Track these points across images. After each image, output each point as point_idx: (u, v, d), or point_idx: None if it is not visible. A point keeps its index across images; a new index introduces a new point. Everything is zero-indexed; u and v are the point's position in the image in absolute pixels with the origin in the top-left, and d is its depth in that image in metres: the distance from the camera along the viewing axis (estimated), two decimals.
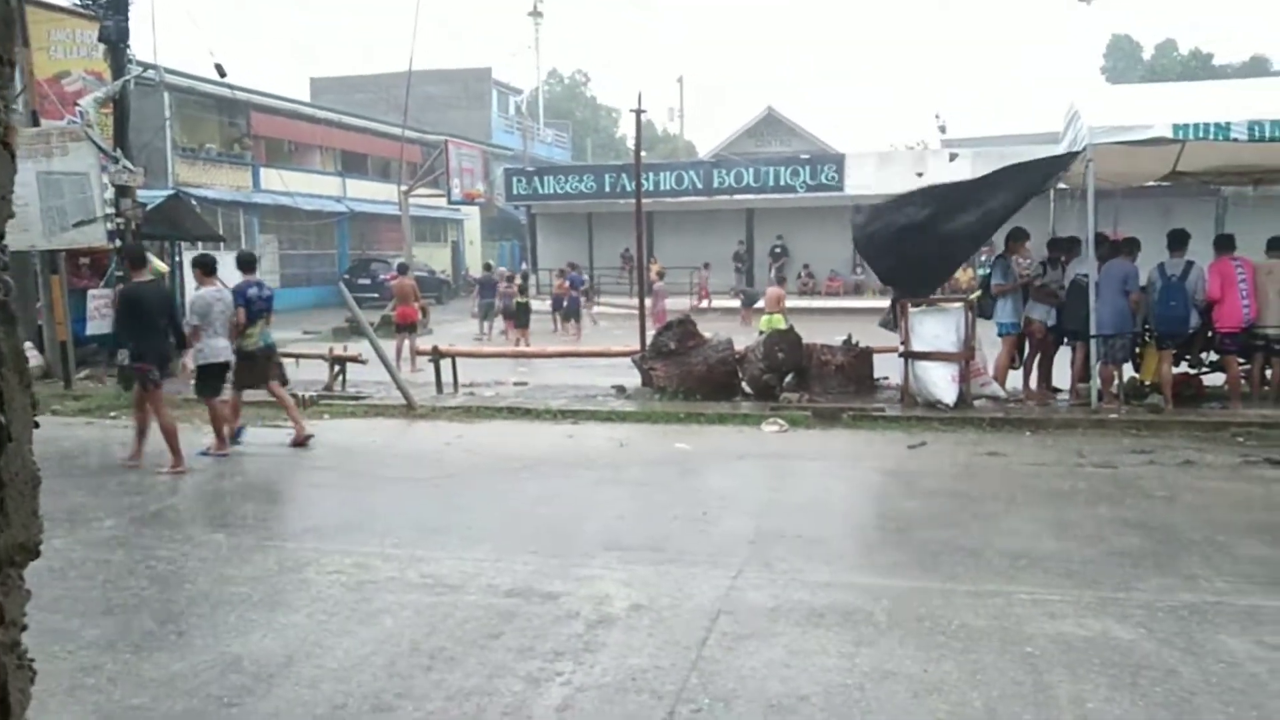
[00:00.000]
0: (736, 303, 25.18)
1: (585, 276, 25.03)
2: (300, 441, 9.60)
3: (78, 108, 12.61)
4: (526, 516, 6.95)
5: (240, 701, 4.08)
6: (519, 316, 20.13)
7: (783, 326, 11.90)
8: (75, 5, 13.33)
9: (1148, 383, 10.65)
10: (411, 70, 29.49)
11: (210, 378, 9.33)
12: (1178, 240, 10.34)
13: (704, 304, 26.65)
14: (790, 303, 23.07)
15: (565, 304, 22.48)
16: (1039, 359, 11.14)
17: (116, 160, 12.60)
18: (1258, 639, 4.55)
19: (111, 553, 6.16)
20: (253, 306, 9.62)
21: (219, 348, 9.29)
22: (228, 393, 9.66)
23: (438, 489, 7.90)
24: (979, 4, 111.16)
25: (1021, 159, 11.58)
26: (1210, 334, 10.43)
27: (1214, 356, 10.75)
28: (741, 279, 30.72)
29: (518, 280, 22.66)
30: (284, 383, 10.30)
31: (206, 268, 9.47)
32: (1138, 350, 10.70)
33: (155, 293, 9.11)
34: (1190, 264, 10.21)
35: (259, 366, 9.82)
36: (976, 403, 10.68)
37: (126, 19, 12.83)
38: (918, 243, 10.64)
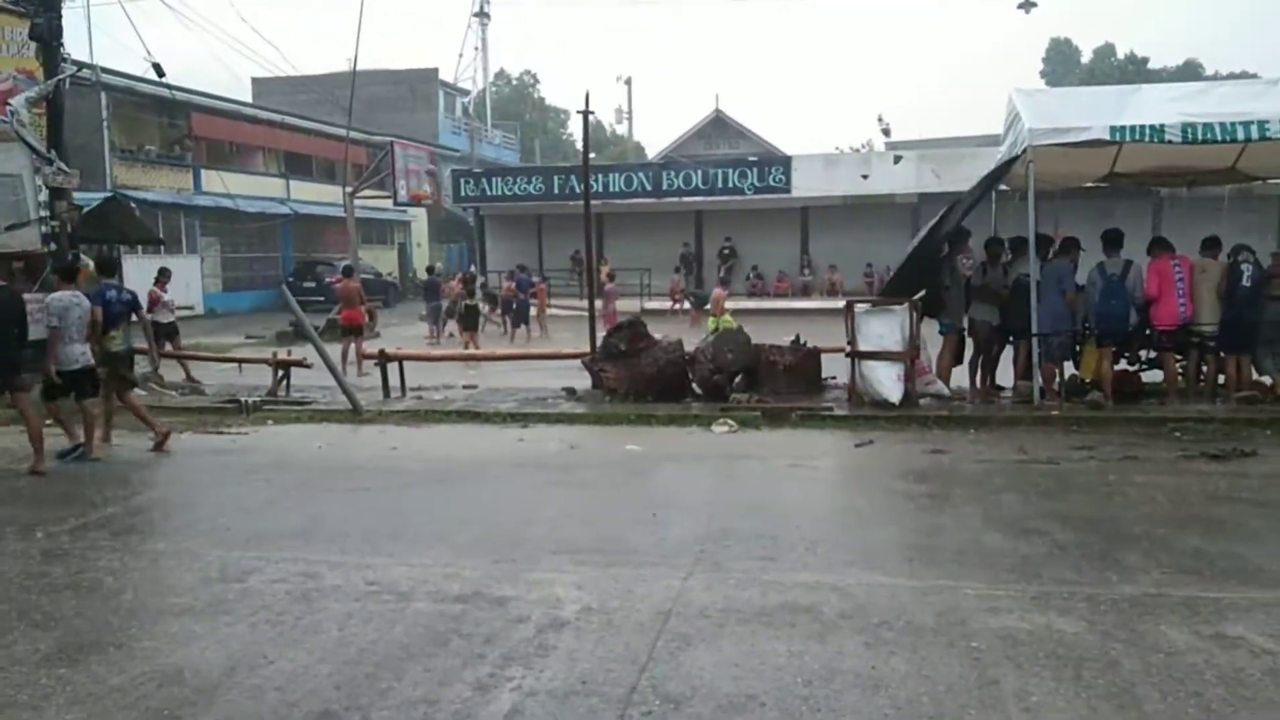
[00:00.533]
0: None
1: (534, 278, 24.85)
2: (160, 444, 9.57)
3: (9, 107, 12.27)
4: (476, 521, 6.89)
5: (181, 714, 3.99)
6: (467, 319, 19.99)
7: (732, 327, 11.97)
8: (4, 3, 12.96)
9: (1088, 380, 10.85)
10: (356, 70, 29.17)
11: (62, 384, 9.17)
12: (1113, 240, 10.56)
13: (678, 307, 26.52)
14: (739, 304, 23.30)
15: (515, 307, 22.34)
16: (982, 358, 11.31)
17: (51, 162, 12.29)
18: (1195, 630, 4.66)
19: (49, 564, 5.99)
20: (111, 309, 9.62)
21: (74, 354, 9.16)
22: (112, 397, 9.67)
23: (385, 494, 7.80)
24: (921, 7, 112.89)
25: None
26: (1148, 332, 10.67)
27: (1152, 354, 10.99)
28: (689, 281, 30.82)
29: (462, 283, 22.50)
30: (132, 386, 10.24)
31: (65, 273, 9.64)
32: (1078, 348, 10.90)
33: (6, 301, 8.97)
34: (1129, 263, 10.43)
35: (125, 368, 9.88)
36: (922, 401, 10.81)
37: (59, 16, 12.54)
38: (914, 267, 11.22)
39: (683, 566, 5.71)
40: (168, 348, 14.33)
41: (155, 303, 14.70)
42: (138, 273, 28.05)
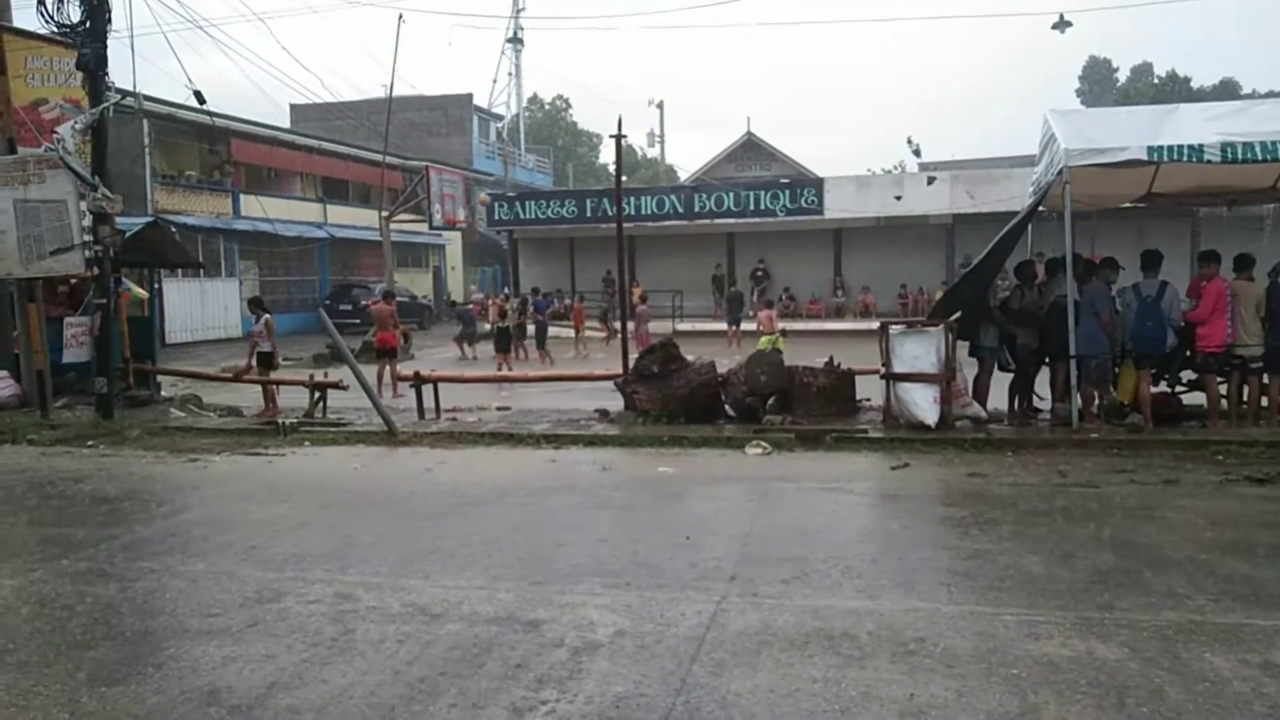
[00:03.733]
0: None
1: (552, 301, 24.93)
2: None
3: (56, 135, 12.53)
4: (509, 543, 6.89)
5: None
6: (500, 341, 20.10)
7: (782, 345, 11.97)
8: (53, 33, 13.25)
9: (1127, 402, 10.71)
10: (392, 96, 29.61)
11: None
12: (1151, 261, 10.43)
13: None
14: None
15: (535, 330, 22.46)
16: (1020, 380, 11.19)
17: (95, 187, 12.53)
18: (1242, 657, 4.56)
19: (89, 584, 6.07)
20: None
21: None
22: None
23: (419, 516, 7.84)
24: (954, 28, 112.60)
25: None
26: (1189, 353, 10.51)
27: (1191, 376, 10.83)
28: (720, 302, 30.82)
29: (499, 303, 22.71)
30: None
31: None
32: (1116, 370, 10.76)
33: None
34: (1164, 284, 10.29)
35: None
36: (958, 424, 10.71)
37: (105, 46, 12.79)
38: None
39: (717, 590, 5.68)
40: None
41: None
42: (178, 296, 28.70)
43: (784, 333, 17.62)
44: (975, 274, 11.35)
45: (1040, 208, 11.32)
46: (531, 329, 22.62)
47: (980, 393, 11.08)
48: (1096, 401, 10.70)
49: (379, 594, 5.76)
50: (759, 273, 32.54)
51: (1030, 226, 12.52)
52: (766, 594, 5.61)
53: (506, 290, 33.50)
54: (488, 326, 22.18)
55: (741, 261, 33.29)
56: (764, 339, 16.42)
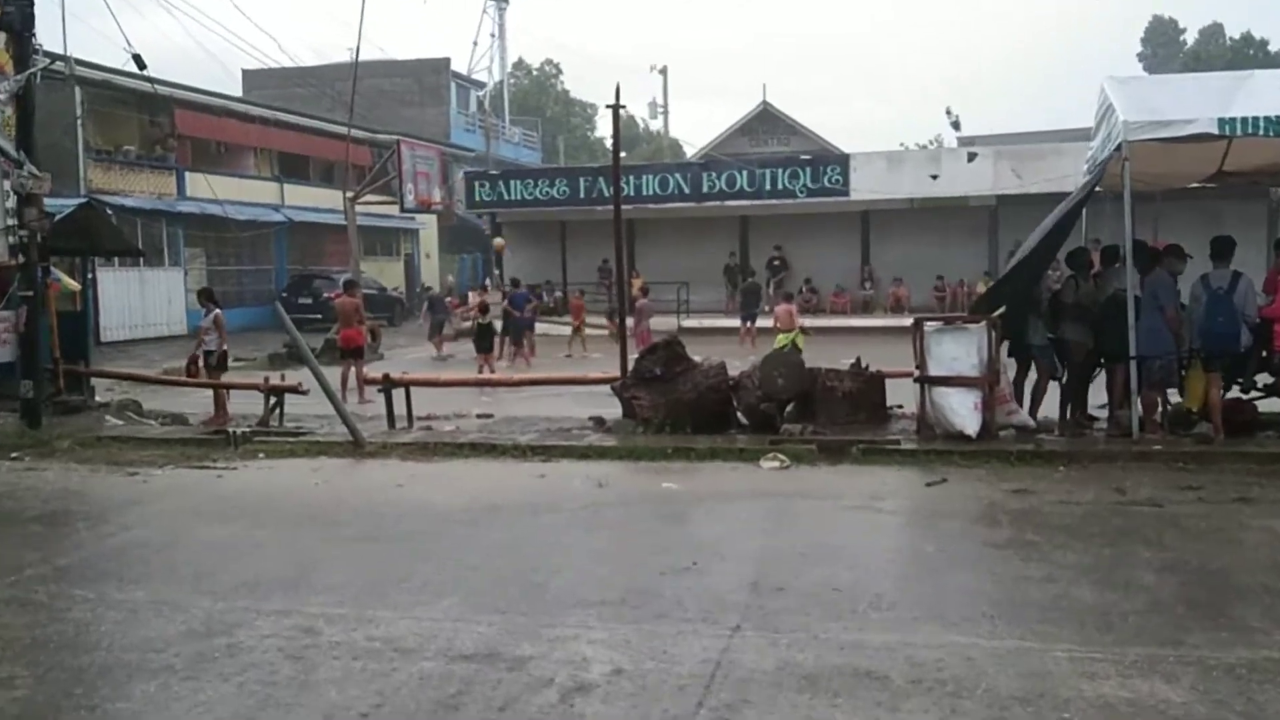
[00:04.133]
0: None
1: (531, 295, 25.06)
2: None
3: None
4: (491, 568, 6.90)
5: None
6: (480, 340, 20.12)
7: (802, 344, 11.98)
8: None
9: (1195, 410, 10.71)
10: (358, 61, 29.60)
11: None
12: (1222, 249, 10.39)
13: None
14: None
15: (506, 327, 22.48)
16: (1074, 385, 11.18)
17: (20, 164, 12.52)
18: None
19: (13, 615, 6.07)
20: None
21: None
22: None
23: (389, 538, 7.84)
24: None
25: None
26: (1265, 354, 10.50)
27: (1268, 379, 10.81)
28: (734, 295, 30.85)
29: (480, 296, 22.80)
30: None
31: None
32: (1182, 373, 10.74)
33: None
34: (1238, 275, 10.25)
35: None
36: (1002, 434, 10.71)
37: (31, 3, 12.79)
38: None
39: (727, 623, 5.68)
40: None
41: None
42: (115, 288, 28.71)
43: (805, 330, 17.64)
44: (1024, 264, 11.34)
45: (1096, 188, 11.32)
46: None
47: (1037, 399, 11.04)
48: (1160, 408, 10.69)
49: (343, 626, 5.76)
50: (776, 262, 32.55)
51: (1085, 209, 12.53)
52: (784, 627, 5.61)
53: (488, 281, 33.55)
54: (467, 324, 22.21)
55: (756, 249, 33.33)
56: (782, 337, 16.46)
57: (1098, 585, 6.23)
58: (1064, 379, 11.12)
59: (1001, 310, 11.02)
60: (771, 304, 30.17)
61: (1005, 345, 11.13)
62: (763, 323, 25.52)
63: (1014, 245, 27.94)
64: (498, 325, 21.56)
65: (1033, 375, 11.23)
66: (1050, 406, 11.20)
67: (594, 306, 29.57)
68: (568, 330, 24.77)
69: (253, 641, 5.56)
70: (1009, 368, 11.11)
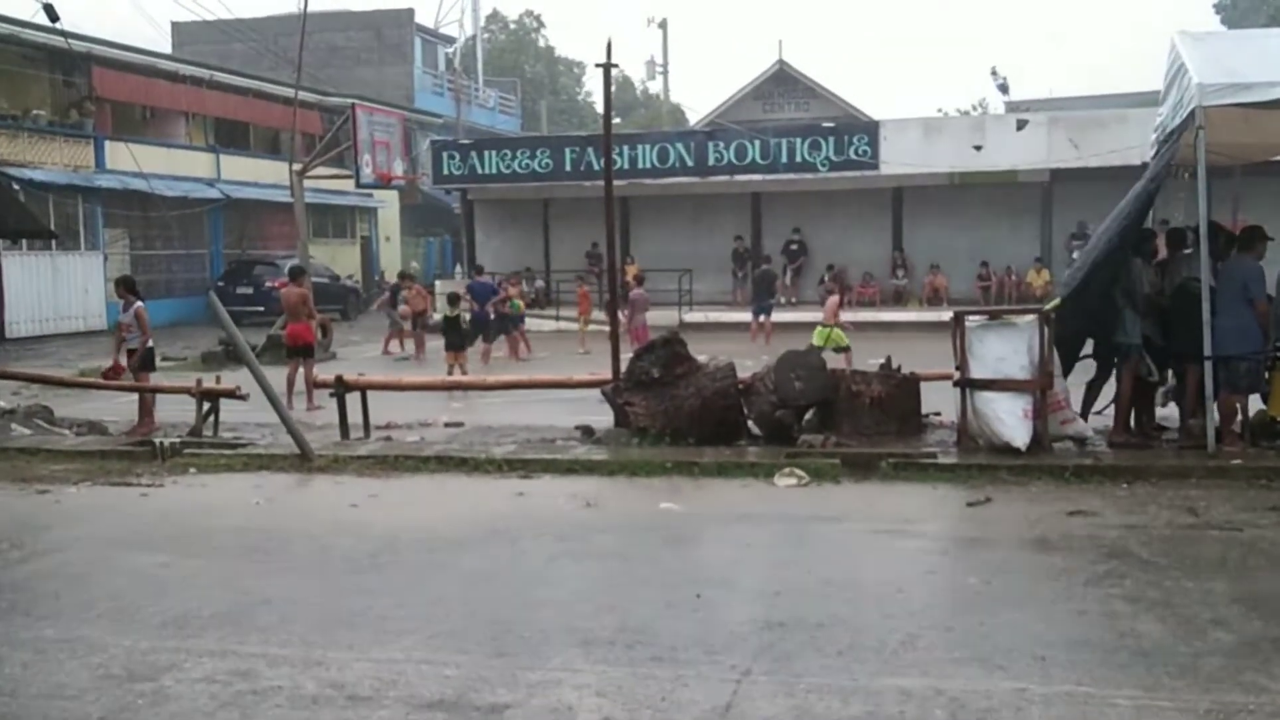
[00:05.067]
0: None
1: (496, 281, 25.17)
2: None
3: None
4: (461, 602, 6.90)
5: None
6: (450, 336, 20.12)
7: (844, 342, 12.02)
8: None
9: (1279, 418, 10.73)
10: (306, 11, 29.59)
11: None
12: None
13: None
14: (808, 315, 23.30)
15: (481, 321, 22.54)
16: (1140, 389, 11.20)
17: None
18: None
19: None
20: None
21: None
22: None
23: (342, 567, 7.83)
24: None
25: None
26: None
27: None
28: (743, 285, 30.86)
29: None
30: None
31: None
32: (1267, 376, 10.76)
33: None
34: None
35: None
36: (1056, 446, 10.72)
37: None
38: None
39: (737, 665, 5.68)
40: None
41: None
42: (22, 275, 28.69)
43: (845, 325, 17.76)
44: (1105, 257, 11.14)
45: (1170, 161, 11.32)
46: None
47: (1123, 407, 10.99)
48: (1239, 416, 10.70)
49: (288, 670, 5.75)
50: (794, 246, 32.58)
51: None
52: (802, 670, 5.60)
53: (458, 267, 33.52)
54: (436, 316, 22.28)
55: (770, 231, 33.33)
56: (820, 331, 16.72)
57: (1167, 622, 6.22)
58: (1161, 381, 11.05)
59: (1055, 303, 11.01)
60: (787, 295, 30.41)
61: (1090, 345, 11.10)
62: (779, 316, 25.60)
63: (1078, 227, 28.13)
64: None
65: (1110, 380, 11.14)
66: (1106, 415, 11.19)
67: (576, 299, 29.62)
68: (554, 325, 24.80)
69: (181, 688, 5.55)
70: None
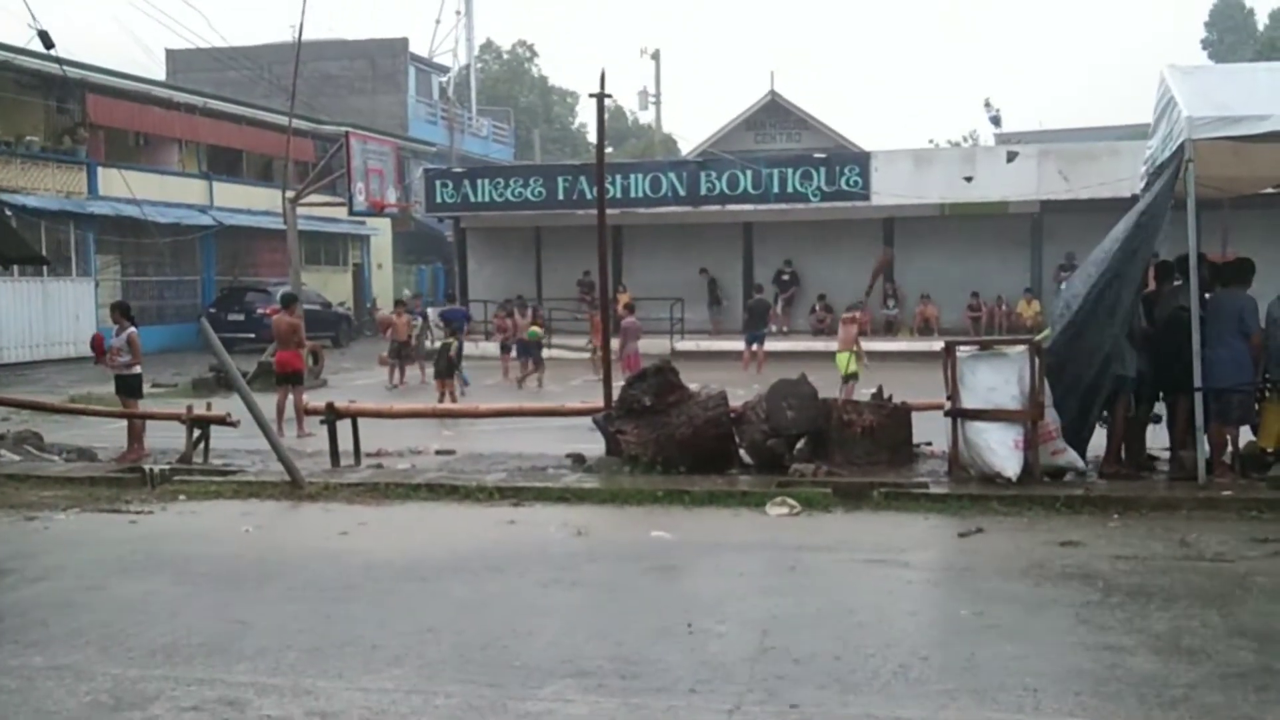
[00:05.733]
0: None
1: (467, 310, 25.28)
2: None
3: None
4: (451, 631, 6.87)
5: None
6: (439, 363, 20.12)
7: (857, 369, 12.05)
8: None
9: (1271, 449, 10.75)
10: (301, 40, 29.67)
11: None
12: None
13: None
14: (799, 345, 23.36)
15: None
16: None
17: None
18: None
19: None
20: None
21: None
22: None
23: (332, 595, 7.80)
24: None
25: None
26: None
27: None
28: (718, 312, 31.03)
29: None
30: None
31: None
32: (1257, 407, 10.79)
33: None
34: None
35: None
36: (1046, 477, 10.73)
37: None
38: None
39: (728, 695, 5.67)
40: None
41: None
42: (13, 301, 28.64)
43: (859, 353, 17.76)
44: (1104, 290, 11.07)
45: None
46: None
47: (1118, 436, 10.99)
48: (1230, 448, 10.73)
49: (277, 699, 5.73)
50: (785, 276, 32.66)
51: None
52: (794, 700, 5.59)
53: (451, 293, 33.49)
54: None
55: (761, 260, 33.40)
56: (841, 356, 16.91)
57: (1158, 654, 6.22)
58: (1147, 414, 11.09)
59: (1045, 334, 11.04)
60: (779, 324, 30.46)
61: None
62: (773, 345, 25.66)
63: (1066, 258, 28.22)
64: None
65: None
66: (1099, 444, 11.21)
67: (575, 327, 29.64)
68: (547, 353, 24.75)
69: (169, 716, 5.52)
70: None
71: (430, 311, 29.72)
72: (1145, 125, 12.50)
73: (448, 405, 18.24)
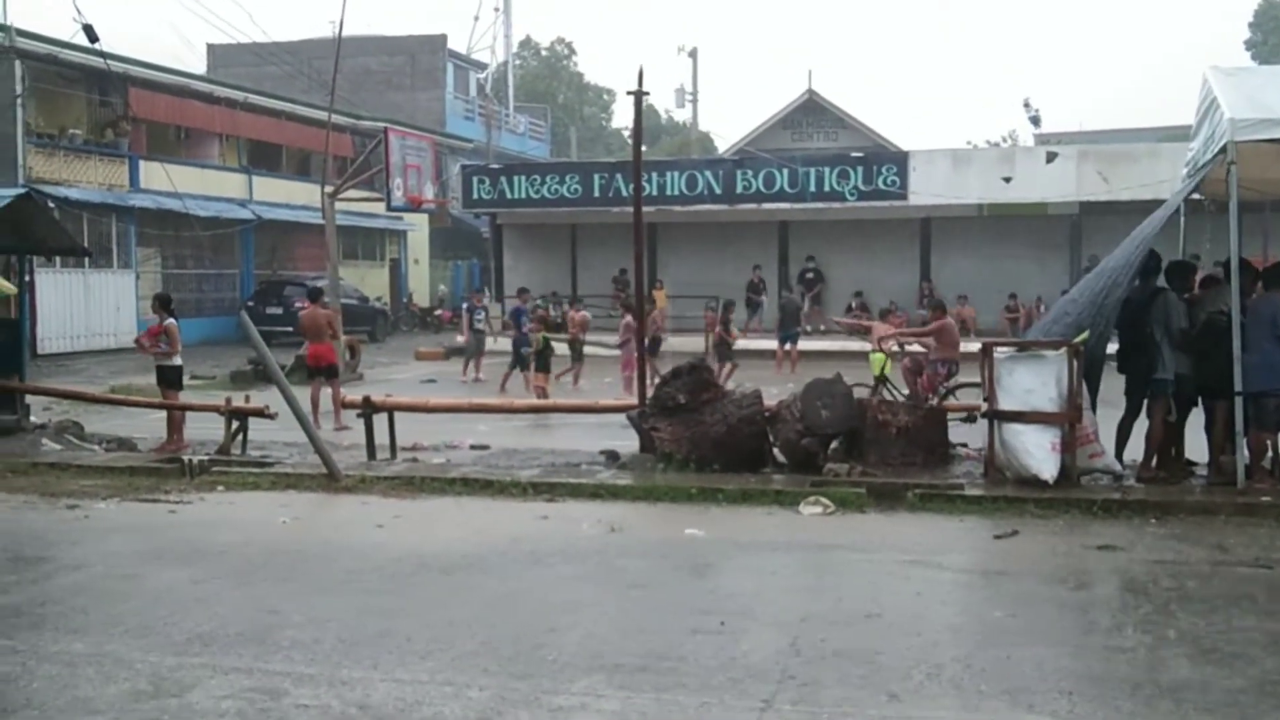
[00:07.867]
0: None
1: (483, 307, 25.29)
2: None
3: None
4: (484, 624, 6.89)
5: None
6: (541, 360, 20.04)
7: (888, 370, 12.05)
8: None
9: None
10: (341, 36, 29.82)
11: None
12: None
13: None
14: (830, 345, 23.21)
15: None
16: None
17: None
18: None
19: None
20: None
21: None
22: None
23: (367, 587, 7.84)
24: None
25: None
26: None
27: None
28: (757, 314, 30.88)
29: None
30: None
31: None
32: None
33: None
34: None
35: None
36: (1084, 479, 10.66)
37: None
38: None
39: (760, 694, 5.66)
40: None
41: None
42: (55, 292, 28.92)
43: (894, 353, 17.67)
44: (1108, 290, 11.11)
45: (1196, 194, 11.29)
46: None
47: (1155, 439, 10.89)
48: (1270, 454, 10.63)
49: (312, 689, 5.76)
50: (809, 274, 32.54)
51: (1182, 220, 12.50)
52: (825, 701, 5.59)
53: (486, 290, 33.58)
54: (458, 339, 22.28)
55: (797, 260, 33.31)
56: (876, 357, 16.83)
57: (1196, 659, 6.18)
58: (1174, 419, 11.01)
59: (1084, 336, 10.97)
60: (813, 322, 30.36)
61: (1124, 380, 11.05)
62: (805, 345, 25.58)
63: (1090, 259, 28.00)
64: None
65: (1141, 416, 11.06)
66: (1137, 448, 11.12)
67: (610, 325, 29.58)
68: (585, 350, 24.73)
69: (207, 704, 5.56)
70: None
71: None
72: (1186, 127, 12.39)
73: (480, 402, 18.22)
